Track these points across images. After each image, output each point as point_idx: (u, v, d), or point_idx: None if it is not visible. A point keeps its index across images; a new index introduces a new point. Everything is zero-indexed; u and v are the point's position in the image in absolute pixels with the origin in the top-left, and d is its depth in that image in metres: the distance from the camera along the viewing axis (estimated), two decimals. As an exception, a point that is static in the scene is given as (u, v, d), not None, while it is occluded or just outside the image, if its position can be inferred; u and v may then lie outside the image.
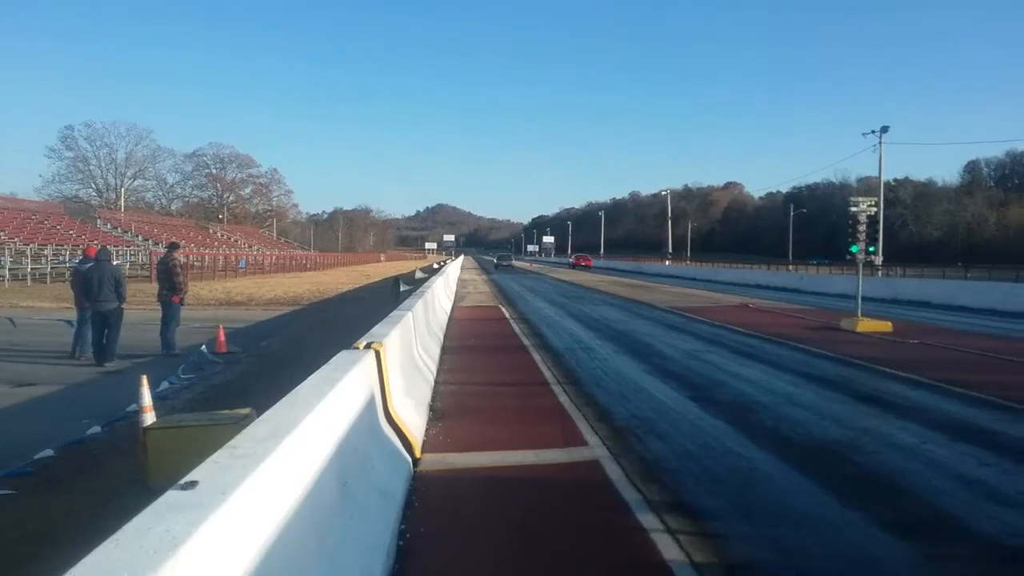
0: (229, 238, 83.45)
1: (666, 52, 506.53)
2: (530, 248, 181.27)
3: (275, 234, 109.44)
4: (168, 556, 1.72)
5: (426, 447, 6.11)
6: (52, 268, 38.87)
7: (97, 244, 29.33)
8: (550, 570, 3.93)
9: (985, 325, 18.03)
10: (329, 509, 3.17)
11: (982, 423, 7.31)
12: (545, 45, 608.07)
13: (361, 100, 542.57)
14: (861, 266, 16.88)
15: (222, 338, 13.07)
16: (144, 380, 6.54)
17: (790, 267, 70.78)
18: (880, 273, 41.03)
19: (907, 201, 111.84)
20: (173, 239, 24.11)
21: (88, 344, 12.00)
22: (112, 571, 1.66)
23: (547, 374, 10.16)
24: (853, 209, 16.15)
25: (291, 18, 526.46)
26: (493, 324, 17.41)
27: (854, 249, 16.06)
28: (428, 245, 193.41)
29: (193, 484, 2.18)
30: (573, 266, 80.00)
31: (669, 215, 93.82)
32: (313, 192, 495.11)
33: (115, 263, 13.61)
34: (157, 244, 55.54)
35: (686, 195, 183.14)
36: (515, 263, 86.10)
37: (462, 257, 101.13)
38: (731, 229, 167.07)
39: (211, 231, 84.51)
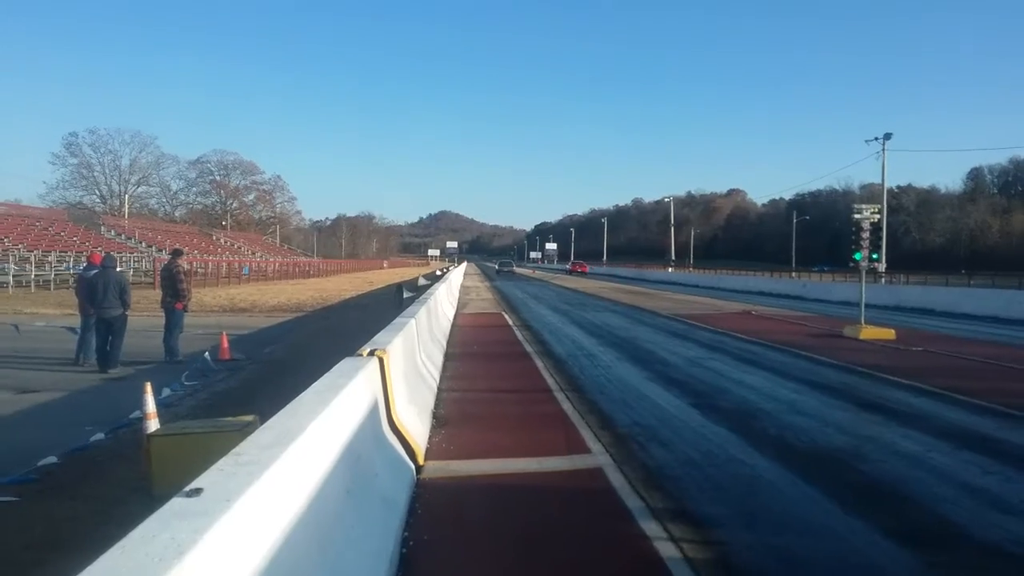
0: (232, 245, 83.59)
1: (670, 58, 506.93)
2: (533, 255, 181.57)
3: (278, 241, 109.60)
4: (174, 563, 1.72)
5: (429, 454, 6.11)
6: (56, 275, 38.94)
7: (101, 251, 29.35)
8: (553, 578, 3.92)
9: (988, 332, 18.00)
10: (332, 516, 3.18)
11: (985, 431, 7.30)
12: (548, 51, 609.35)
13: (364, 107, 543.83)
14: (864, 273, 16.86)
15: (225, 345, 13.09)
16: (148, 387, 6.57)
17: (793, 274, 70.67)
18: (883, 280, 41.03)
19: (910, 208, 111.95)
20: (177, 246, 24.17)
21: (92, 351, 12.02)
22: (118, 578, 1.67)
23: (550, 381, 10.16)
24: (856, 216, 16.14)
25: (294, 26, 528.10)
26: (496, 331, 17.42)
27: (857, 256, 16.06)
28: (431, 252, 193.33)
29: (198, 491, 2.19)
30: (570, 272, 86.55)
31: (672, 222, 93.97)
32: (316, 199, 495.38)
33: (119, 270, 13.64)
34: (161, 251, 55.61)
35: (689, 202, 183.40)
36: (517, 270, 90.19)
37: (465, 264, 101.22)
38: (734, 236, 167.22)
39: (215, 238, 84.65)
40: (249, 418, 5.85)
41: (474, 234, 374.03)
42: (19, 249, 41.89)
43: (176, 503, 2.10)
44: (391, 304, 24.40)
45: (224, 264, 53.20)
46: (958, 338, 16.52)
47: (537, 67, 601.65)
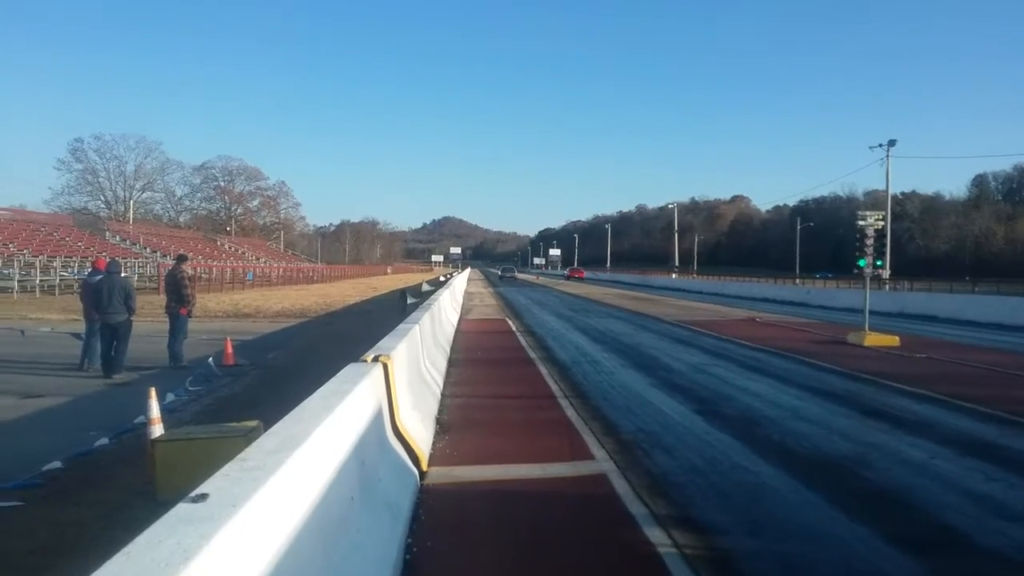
0: (237, 250, 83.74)
1: (673, 65, 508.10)
2: (536, 261, 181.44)
3: (282, 246, 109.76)
4: (180, 569, 1.73)
5: (433, 460, 6.11)
6: (61, 280, 39.05)
7: (106, 256, 29.43)
8: (557, 584, 3.92)
9: (993, 339, 17.96)
10: (337, 522, 3.18)
11: (989, 438, 7.28)
12: (552, 58, 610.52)
13: (369, 113, 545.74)
14: (868, 280, 16.85)
15: (229, 350, 13.10)
16: (153, 392, 6.59)
17: (797, 281, 70.62)
18: (887, 287, 40.92)
19: (914, 215, 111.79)
20: (181, 251, 24.22)
21: (96, 356, 12.04)
22: (124, 584, 1.68)
23: (553, 387, 10.16)
24: (861, 223, 16.14)
25: (299, 33, 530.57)
26: (499, 337, 17.42)
27: (862, 263, 16.04)
28: (435, 258, 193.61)
29: (204, 497, 2.19)
30: (567, 278, 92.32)
31: (676, 228, 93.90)
32: (320, 205, 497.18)
33: (124, 275, 13.67)
34: (165, 256, 55.76)
35: (693, 208, 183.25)
36: (520, 276, 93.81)
37: (468, 270, 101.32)
38: (738, 242, 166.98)
39: (219, 243, 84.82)
40: (253, 424, 5.87)
41: (478, 240, 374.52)
42: (24, 254, 42.04)
43: (182, 508, 2.10)
44: (395, 310, 24.43)
45: (228, 270, 53.26)
46: (962, 345, 16.49)
47: (541, 73, 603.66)
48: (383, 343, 6.90)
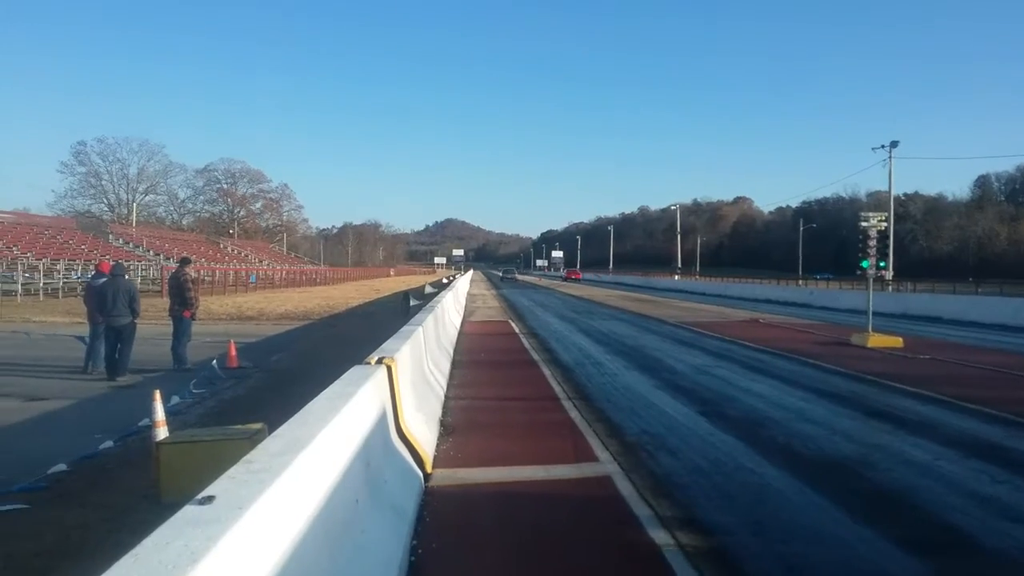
0: (240, 253, 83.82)
1: (675, 66, 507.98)
2: (539, 263, 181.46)
3: (285, 249, 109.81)
4: (187, 571, 1.74)
5: (437, 462, 6.11)
6: (64, 283, 39.12)
7: (110, 259, 29.54)
8: (561, 586, 3.92)
9: (996, 340, 17.93)
10: (342, 524, 3.19)
11: (994, 439, 7.27)
12: (553, 59, 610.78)
13: (371, 116, 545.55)
14: (872, 281, 16.83)
15: (233, 353, 13.13)
16: (157, 395, 6.59)
17: (800, 282, 70.51)
18: (890, 288, 40.88)
19: (917, 216, 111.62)
20: (184, 254, 24.26)
21: (100, 359, 12.06)
22: (132, 585, 1.69)
23: (557, 389, 10.16)
24: (864, 224, 16.13)
25: (299, 34, 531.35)
26: (503, 339, 17.43)
27: (865, 264, 16.03)
28: (437, 260, 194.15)
29: (210, 499, 2.20)
30: (565, 278, 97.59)
31: (678, 230, 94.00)
32: (323, 207, 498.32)
33: (128, 278, 13.69)
34: (168, 259, 55.84)
35: (695, 210, 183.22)
36: (522, 277, 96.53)
37: (471, 272, 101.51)
38: (740, 244, 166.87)
39: (222, 246, 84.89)
40: (257, 426, 5.88)
41: (480, 242, 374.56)
42: (28, 257, 42.10)
43: (189, 510, 2.11)
44: (398, 312, 24.43)
45: (231, 272, 53.31)
46: (966, 346, 16.47)
47: (542, 74, 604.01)
48: (387, 345, 6.90)
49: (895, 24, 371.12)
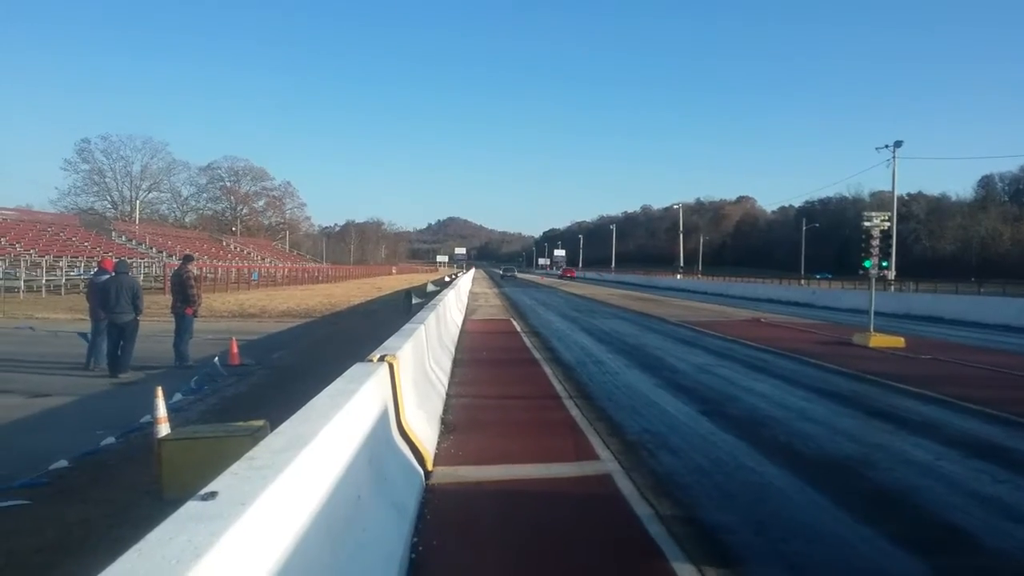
0: (242, 250, 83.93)
1: (677, 66, 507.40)
2: (541, 261, 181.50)
3: (288, 247, 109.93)
4: (191, 566, 1.74)
5: (438, 460, 6.12)
6: (67, 280, 39.18)
7: (112, 256, 29.56)
8: (562, 584, 3.93)
9: (999, 341, 17.91)
10: (343, 521, 3.20)
11: (996, 439, 7.27)
12: (554, 58, 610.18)
13: (374, 114, 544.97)
14: (874, 281, 16.81)
15: (235, 350, 13.14)
16: (159, 391, 6.60)
17: (802, 282, 70.45)
18: (893, 288, 40.83)
19: (920, 216, 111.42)
20: (187, 252, 24.29)
21: (102, 355, 12.08)
22: (136, 581, 1.70)
23: (558, 387, 10.17)
24: (866, 224, 16.12)
25: (305, 33, 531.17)
26: (504, 337, 17.44)
27: (867, 264, 16.02)
28: (439, 258, 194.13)
29: (213, 495, 2.21)
30: (561, 277, 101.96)
31: (681, 229, 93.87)
32: (326, 205, 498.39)
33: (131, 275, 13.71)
34: (171, 256, 55.94)
35: (698, 209, 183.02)
36: (523, 276, 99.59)
37: (473, 270, 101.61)
38: (743, 243, 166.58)
39: (224, 243, 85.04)
40: (259, 423, 5.88)
41: (482, 240, 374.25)
42: (31, 254, 42.19)
43: (192, 506, 2.12)
44: (400, 310, 24.46)
45: (234, 270, 53.35)
46: (968, 346, 16.45)
47: (543, 73, 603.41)
48: (389, 343, 6.92)
49: (899, 24, 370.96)
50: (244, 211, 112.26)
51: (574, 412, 8.43)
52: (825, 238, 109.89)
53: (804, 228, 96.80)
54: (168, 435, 5.97)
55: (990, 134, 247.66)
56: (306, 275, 69.00)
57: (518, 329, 19.59)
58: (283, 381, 11.13)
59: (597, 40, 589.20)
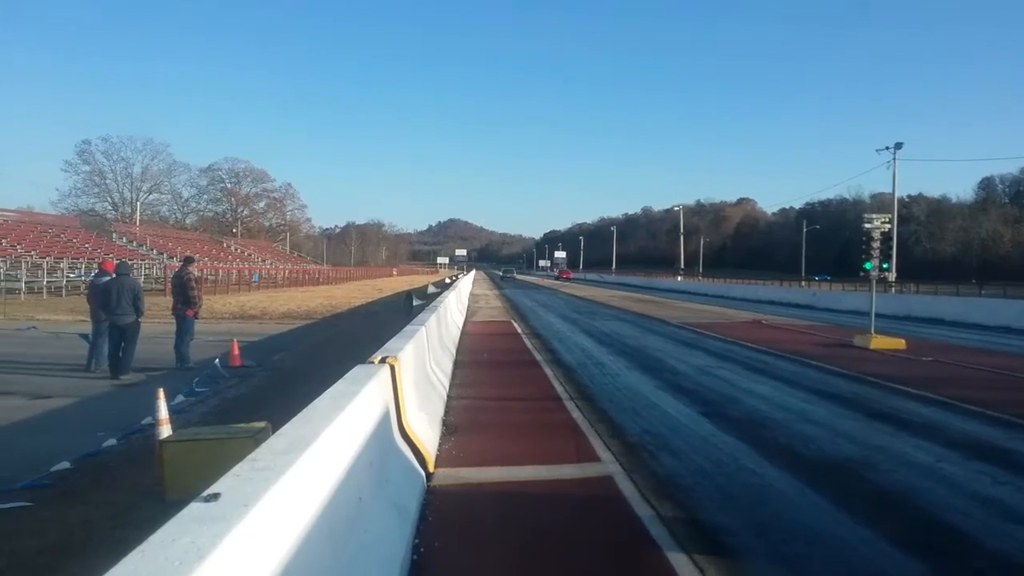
0: (243, 252, 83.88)
1: (677, 67, 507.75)
2: (542, 263, 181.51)
3: (288, 248, 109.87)
4: (194, 567, 1.75)
5: (439, 462, 6.13)
6: (68, 281, 39.18)
7: (113, 258, 29.60)
8: (563, 585, 3.93)
9: (999, 343, 17.90)
10: (345, 522, 3.20)
11: (997, 441, 7.27)
12: (554, 60, 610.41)
13: (372, 115, 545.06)
14: (875, 283, 16.81)
15: (236, 352, 13.15)
16: (161, 393, 6.61)
17: (803, 283, 70.41)
18: (893, 290, 40.82)
19: (921, 218, 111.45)
20: (188, 253, 24.30)
21: (104, 357, 12.08)
22: (139, 582, 1.70)
23: (559, 389, 10.17)
24: (867, 226, 16.12)
25: (306, 35, 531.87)
26: (505, 339, 17.44)
27: (868, 266, 16.02)
28: (440, 260, 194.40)
29: (216, 496, 2.22)
30: (557, 277, 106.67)
31: (681, 231, 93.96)
32: (326, 207, 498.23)
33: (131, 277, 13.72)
34: (172, 258, 55.91)
35: (698, 211, 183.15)
36: (522, 277, 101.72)
37: (474, 272, 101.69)
38: (743, 245, 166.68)
39: (225, 245, 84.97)
40: (261, 425, 5.89)
41: (483, 242, 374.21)
42: (31, 256, 42.18)
43: (195, 508, 2.13)
44: (401, 312, 24.46)
45: (235, 271, 53.37)
46: (968, 348, 16.45)
47: (544, 75, 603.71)
48: (390, 345, 6.92)
49: (899, 25, 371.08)
50: (245, 212, 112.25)
51: (575, 414, 8.44)
52: (825, 240, 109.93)
53: (804, 230, 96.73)
54: (170, 437, 5.97)
55: (991, 136, 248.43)
56: (307, 277, 69.03)
57: (519, 331, 19.60)
58: (284, 383, 11.13)
59: (597, 41, 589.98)
